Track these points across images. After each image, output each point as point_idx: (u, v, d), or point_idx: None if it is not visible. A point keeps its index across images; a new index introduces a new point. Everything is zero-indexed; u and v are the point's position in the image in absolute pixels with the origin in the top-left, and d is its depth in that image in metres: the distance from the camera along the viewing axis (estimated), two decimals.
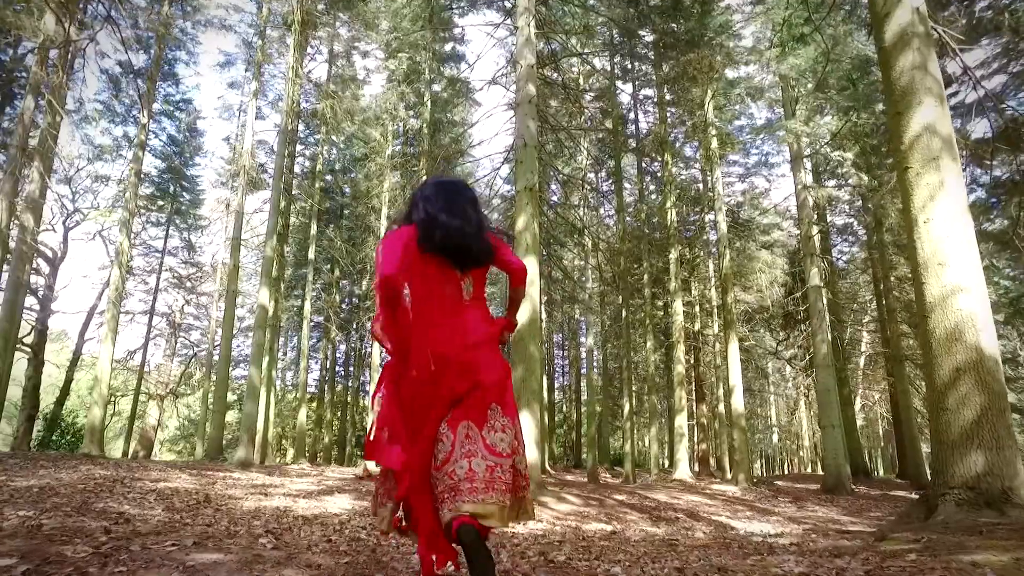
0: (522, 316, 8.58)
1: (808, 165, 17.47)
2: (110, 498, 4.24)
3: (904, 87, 4.71)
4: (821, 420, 14.07)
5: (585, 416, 28.76)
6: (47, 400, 23.34)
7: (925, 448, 21.61)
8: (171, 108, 22.05)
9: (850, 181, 17.25)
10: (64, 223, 22.15)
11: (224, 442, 21.60)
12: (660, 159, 19.09)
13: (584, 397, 28.44)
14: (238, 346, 26.64)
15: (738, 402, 14.12)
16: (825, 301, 15.15)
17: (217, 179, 23.43)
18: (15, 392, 21.80)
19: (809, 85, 15.89)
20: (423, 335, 1.97)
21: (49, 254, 21.18)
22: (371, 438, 2.02)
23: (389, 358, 2.12)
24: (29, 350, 20.11)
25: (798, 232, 24.30)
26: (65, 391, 22.78)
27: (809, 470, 34.16)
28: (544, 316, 20.75)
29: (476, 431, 1.92)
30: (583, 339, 27.80)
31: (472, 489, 1.82)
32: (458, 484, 1.85)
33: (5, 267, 14.58)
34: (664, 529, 6.15)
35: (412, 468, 1.94)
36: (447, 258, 2.03)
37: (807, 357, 24.08)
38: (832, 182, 21.01)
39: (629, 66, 19.36)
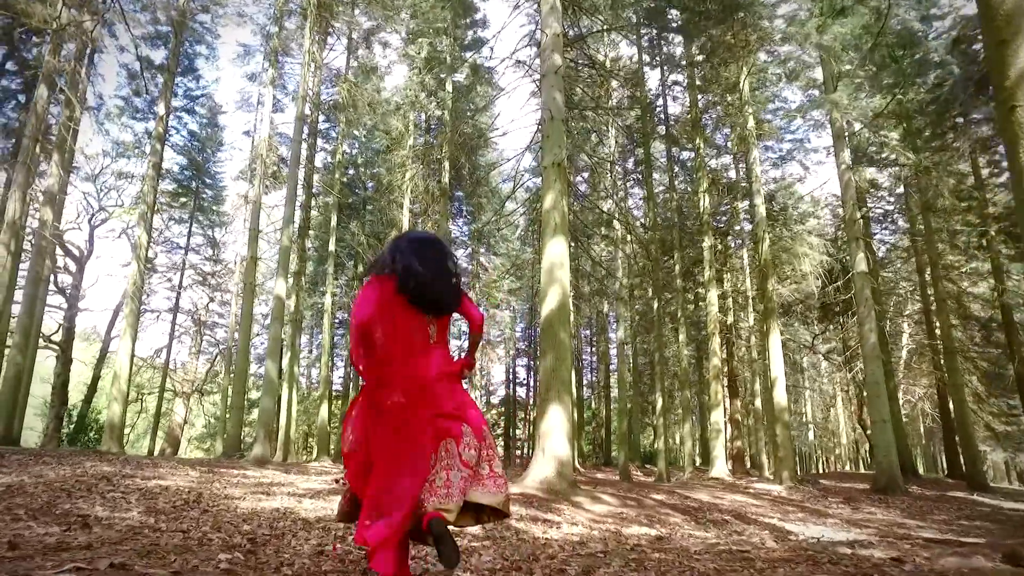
0: (552, 302, 7.95)
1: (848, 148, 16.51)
2: (85, 498, 3.73)
3: (1010, 10, 3.94)
4: (871, 415, 13.15)
5: (615, 413, 27.97)
6: (76, 398, 23.39)
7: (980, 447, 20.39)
8: (190, 103, 21.86)
9: (899, 161, 16.20)
10: (90, 221, 22.10)
11: (249, 439, 21.36)
12: (691, 145, 18.29)
13: (614, 393, 27.67)
14: (263, 343, 26.45)
15: (780, 395, 13.26)
16: (870, 289, 14.20)
17: (239, 175, 23.22)
18: (46, 390, 21.86)
19: (847, 66, 14.95)
20: (400, 369, 2.29)
21: (75, 252, 21.14)
22: (345, 450, 2.39)
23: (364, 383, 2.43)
24: (57, 348, 20.09)
25: (834, 219, 23.29)
26: (92, 388, 22.78)
27: (848, 468, 32.88)
28: (571, 309, 20.06)
29: (455, 448, 2.24)
30: (612, 334, 27.01)
31: (448, 495, 2.15)
32: (436, 488, 2.18)
33: (24, 262, 14.41)
34: (714, 533, 5.47)
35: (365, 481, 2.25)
36: (419, 306, 2.34)
37: (846, 351, 23.07)
38: (871, 169, 19.96)
39: (658, 48, 18.57)
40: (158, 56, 18.28)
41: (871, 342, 13.13)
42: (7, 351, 13.87)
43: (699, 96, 18.07)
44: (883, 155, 18.84)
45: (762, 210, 14.90)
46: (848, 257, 20.57)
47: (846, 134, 14.94)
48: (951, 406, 18.11)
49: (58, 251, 19.18)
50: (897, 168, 18.62)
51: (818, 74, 16.06)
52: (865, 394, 22.90)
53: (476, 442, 2.29)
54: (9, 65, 17.27)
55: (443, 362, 2.39)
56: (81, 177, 20.99)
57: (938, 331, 18.51)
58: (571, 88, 15.69)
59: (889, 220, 24.09)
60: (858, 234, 14.18)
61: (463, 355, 2.59)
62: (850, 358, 22.31)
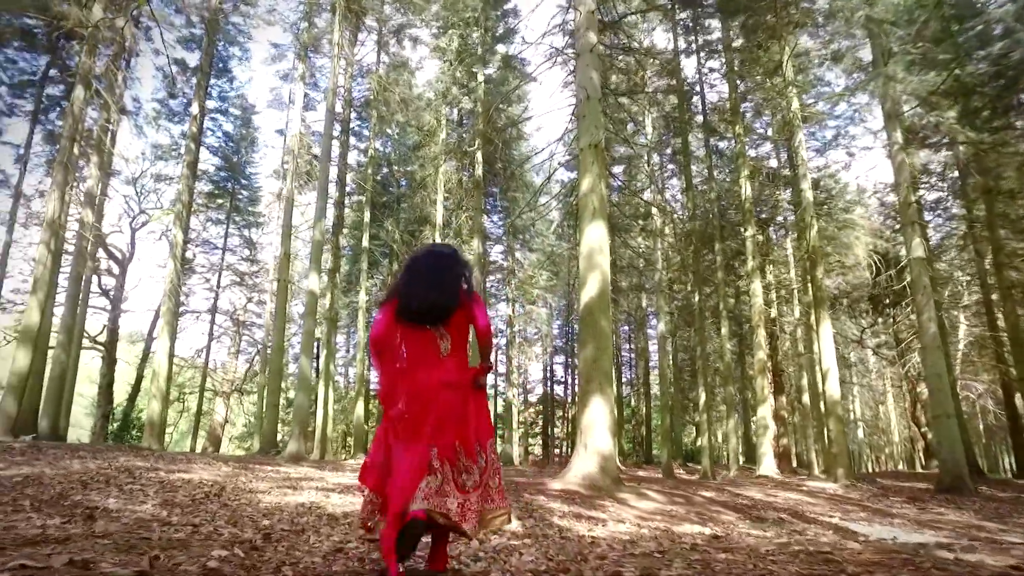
0: (591, 289, 7.56)
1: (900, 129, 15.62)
2: (100, 490, 3.52)
3: None
4: (933, 410, 12.34)
5: (655, 410, 27.31)
6: (122, 397, 23.89)
7: None
8: (224, 104, 22.09)
9: (957, 140, 15.25)
10: (131, 224, 22.53)
11: (288, 438, 21.46)
12: (732, 132, 17.62)
13: (654, 391, 27.02)
14: (300, 342, 26.62)
15: (833, 388, 12.59)
16: (929, 277, 13.34)
17: (272, 173, 23.42)
18: (94, 390, 22.38)
19: (895, 45, 14.10)
20: (405, 380, 2.43)
21: (118, 255, 21.55)
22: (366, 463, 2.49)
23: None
24: (102, 349, 20.50)
25: (881, 208, 22.23)
26: (136, 388, 23.23)
27: (902, 468, 31.49)
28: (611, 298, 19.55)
29: (449, 472, 2.31)
30: (651, 330, 26.37)
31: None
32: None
33: (65, 261, 14.64)
34: (773, 532, 5.01)
35: (386, 490, 2.34)
36: (416, 320, 2.46)
37: (899, 344, 22.02)
38: (923, 152, 18.92)
39: (694, 33, 17.96)
40: (193, 59, 18.48)
41: (931, 332, 12.32)
42: (51, 350, 14.13)
43: (738, 82, 17.41)
44: (935, 138, 17.85)
45: (809, 195, 14.21)
46: (900, 245, 19.59)
47: (901, 113, 14.11)
48: (1018, 402, 17.03)
49: (101, 253, 19.57)
50: (951, 152, 17.63)
51: (864, 54, 15.25)
52: (922, 389, 21.82)
53: (471, 463, 2.38)
54: (52, 72, 17.68)
55: (456, 371, 2.46)
56: (121, 180, 21.41)
57: (1001, 322, 17.42)
58: (606, 76, 15.23)
59: (942, 208, 22.86)
60: (914, 218, 13.33)
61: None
62: (903, 351, 21.29)
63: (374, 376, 27.00)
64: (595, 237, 7.73)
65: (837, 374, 12.83)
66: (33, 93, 17.76)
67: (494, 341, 2.74)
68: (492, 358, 2.77)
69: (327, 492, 4.79)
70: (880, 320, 23.19)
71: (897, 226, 20.08)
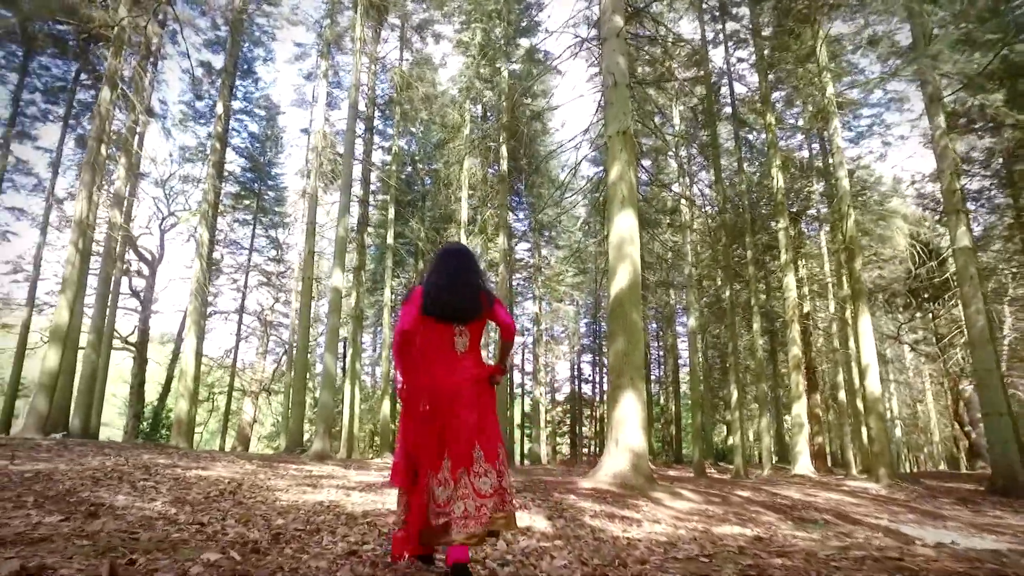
0: (622, 280, 7.27)
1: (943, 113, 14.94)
2: (111, 487, 3.37)
3: None
4: (983, 407, 11.74)
5: (685, 408, 26.78)
6: (152, 397, 24.23)
7: None
8: (249, 104, 22.21)
9: (1005, 122, 14.56)
10: (160, 226, 22.79)
11: (312, 436, 21.50)
12: (762, 122, 17.12)
13: (683, 389, 26.48)
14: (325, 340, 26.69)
15: (873, 384, 12.06)
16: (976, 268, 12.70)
17: (296, 172, 23.49)
18: (127, 390, 22.72)
19: (936, 29, 13.46)
20: (424, 375, 2.48)
21: (148, 256, 21.81)
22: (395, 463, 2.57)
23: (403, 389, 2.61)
24: (133, 349, 20.75)
25: (918, 200, 21.42)
26: (166, 388, 23.52)
27: (943, 467, 30.43)
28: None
29: (467, 478, 2.35)
30: (680, 327, 25.85)
31: (464, 525, 2.27)
32: (454, 521, 2.29)
33: (94, 261, 14.81)
34: (819, 534, 4.68)
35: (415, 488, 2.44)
36: (440, 317, 2.50)
37: (939, 340, 21.20)
38: (965, 139, 18.15)
39: (721, 21, 17.49)
40: (218, 61, 18.61)
41: (979, 325, 11.71)
42: (82, 350, 14.29)
43: (768, 72, 16.92)
44: (980, 123, 17.09)
45: (845, 183, 13.66)
46: (941, 236, 18.83)
47: (941, 97, 13.48)
48: None
49: (131, 255, 19.82)
50: (995, 138, 16.88)
51: (901, 37, 14.66)
52: (964, 386, 20.99)
53: (488, 466, 2.39)
54: (82, 77, 17.95)
55: (473, 368, 2.50)
56: (150, 182, 21.67)
57: None
58: (632, 65, 14.89)
59: (985, 198, 21.96)
60: (958, 206, 12.70)
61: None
62: (945, 347, 20.49)
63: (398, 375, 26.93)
64: (625, 226, 7.44)
65: (877, 370, 12.29)
66: (65, 98, 18.08)
67: (518, 340, 2.62)
68: (509, 359, 2.80)
69: (348, 490, 4.59)
70: (918, 315, 22.40)
71: (937, 216, 19.33)
